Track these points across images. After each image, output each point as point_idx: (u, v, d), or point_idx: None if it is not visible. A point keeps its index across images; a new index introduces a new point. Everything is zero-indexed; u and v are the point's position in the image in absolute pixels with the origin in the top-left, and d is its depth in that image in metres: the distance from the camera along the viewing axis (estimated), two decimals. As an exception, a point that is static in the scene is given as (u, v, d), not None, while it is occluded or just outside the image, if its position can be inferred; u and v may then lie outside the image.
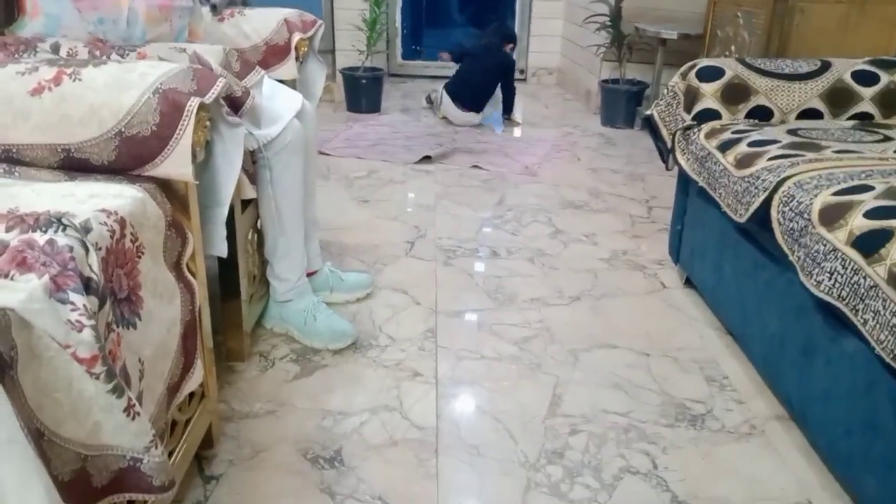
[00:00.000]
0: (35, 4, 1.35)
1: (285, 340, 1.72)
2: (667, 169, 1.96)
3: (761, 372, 1.58)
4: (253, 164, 1.54)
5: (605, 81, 3.66)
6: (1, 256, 0.83)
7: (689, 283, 2.01)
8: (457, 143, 3.34)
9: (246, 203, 1.57)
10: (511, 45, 3.82)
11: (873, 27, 2.46)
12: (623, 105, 3.59)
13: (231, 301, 1.61)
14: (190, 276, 1.19)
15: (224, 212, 1.32)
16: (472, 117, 3.66)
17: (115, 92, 1.09)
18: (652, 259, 2.19)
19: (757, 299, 1.54)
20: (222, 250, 1.35)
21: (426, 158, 3.12)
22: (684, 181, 1.94)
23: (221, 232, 1.33)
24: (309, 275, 1.83)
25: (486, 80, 3.65)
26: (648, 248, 2.28)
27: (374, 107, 3.88)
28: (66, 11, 1.34)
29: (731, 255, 1.67)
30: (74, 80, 1.10)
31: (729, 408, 1.51)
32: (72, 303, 0.82)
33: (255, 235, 1.69)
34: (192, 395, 1.24)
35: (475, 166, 3.05)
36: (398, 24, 4.68)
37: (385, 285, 2.00)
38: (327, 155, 3.14)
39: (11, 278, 0.79)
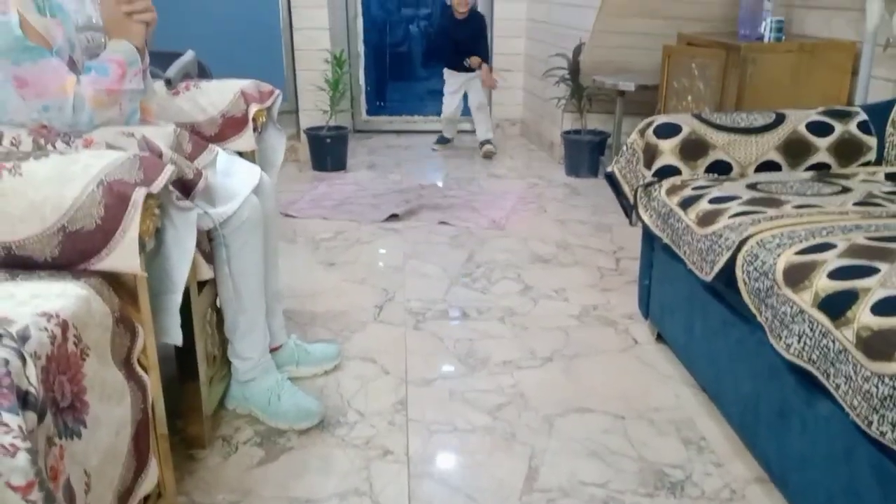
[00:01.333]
0: (-23, 92, 1.31)
1: (249, 422, 1.66)
2: (630, 224, 1.96)
3: (738, 432, 1.55)
4: (209, 242, 1.50)
5: (568, 132, 3.70)
6: (-74, 377, 0.77)
7: (660, 338, 1.99)
8: (423, 199, 3.34)
9: (202, 283, 1.52)
10: None
11: (825, 74, 2.52)
12: (586, 155, 3.62)
13: (189, 383, 1.54)
14: (141, 372, 1.14)
15: (178, 298, 1.27)
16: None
17: (57, 186, 1.05)
18: (622, 314, 2.18)
19: (729, 358, 1.52)
20: (177, 338, 1.29)
21: (393, 216, 3.10)
22: (649, 236, 1.94)
23: (176, 319, 1.28)
24: (273, 350, 1.78)
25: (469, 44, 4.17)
26: (618, 301, 2.26)
27: (339, 165, 3.87)
28: (9, 98, 1.30)
29: (700, 313, 1.65)
30: (15, 176, 1.06)
31: (708, 472, 1.48)
32: (5, 424, 0.77)
33: (214, 314, 1.64)
34: (146, 497, 1.18)
35: (442, 222, 3.04)
36: (361, 81, 4.71)
37: (353, 354, 1.95)
38: (293, 217, 3.10)
39: (-65, 405, 0.74)
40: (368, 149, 4.43)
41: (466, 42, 4.13)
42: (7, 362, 0.82)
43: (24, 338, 0.87)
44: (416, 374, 1.86)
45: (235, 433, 1.62)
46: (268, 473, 1.48)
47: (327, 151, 3.84)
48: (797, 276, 1.24)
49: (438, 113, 4.46)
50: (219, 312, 1.64)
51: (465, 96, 4.27)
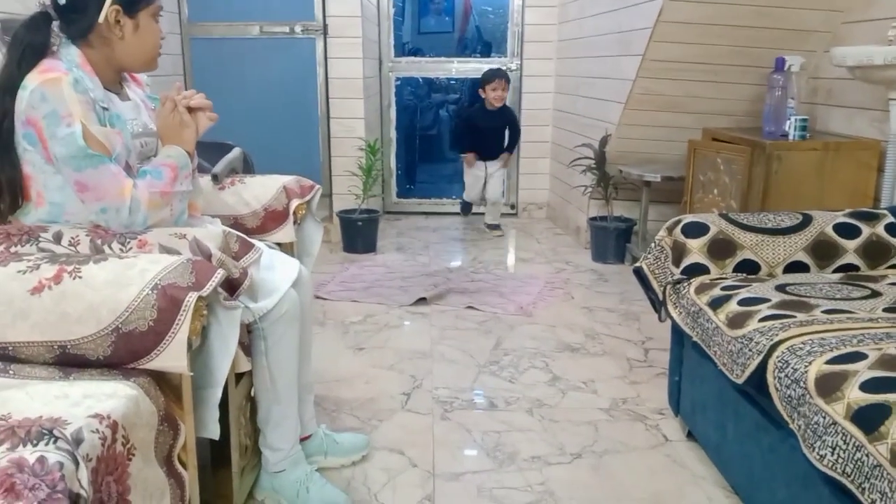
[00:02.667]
0: (40, 194, 1.40)
1: (278, 513, 1.66)
2: (660, 320, 1.97)
3: (773, 540, 1.52)
4: (248, 334, 1.55)
5: (594, 219, 3.76)
6: (-12, 481, 0.81)
7: (691, 435, 1.97)
8: (451, 283, 3.38)
9: (239, 376, 1.56)
10: (498, 86, 4.28)
11: (850, 172, 2.56)
12: (613, 241, 3.66)
13: (221, 472, 1.56)
14: (181, 469, 1.17)
15: (218, 393, 1.31)
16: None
17: (115, 289, 1.11)
18: (652, 408, 2.17)
19: (762, 463, 1.51)
20: (215, 433, 1.33)
21: (422, 300, 3.14)
22: (678, 332, 1.95)
23: (214, 414, 1.31)
24: (303, 439, 1.79)
25: (498, 134, 4.44)
26: (648, 395, 2.25)
27: (369, 247, 3.95)
28: (69, 200, 1.39)
29: (732, 414, 1.65)
30: (74, 278, 1.12)
31: (743, 582, 1.44)
32: (58, 530, 0.80)
33: (248, 404, 1.67)
34: None
35: (470, 307, 3.07)
36: (393, 165, 4.86)
37: (381, 445, 1.96)
38: (323, 299, 3.16)
39: (-3, 510, 0.77)
40: (398, 230, 4.53)
41: (496, 132, 4.36)
42: (62, 465, 0.86)
43: (77, 440, 0.91)
44: (443, 467, 1.86)
45: (264, 525, 1.62)
46: (296, 570, 1.48)
47: (358, 234, 3.93)
48: (829, 386, 1.24)
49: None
50: (252, 403, 1.68)
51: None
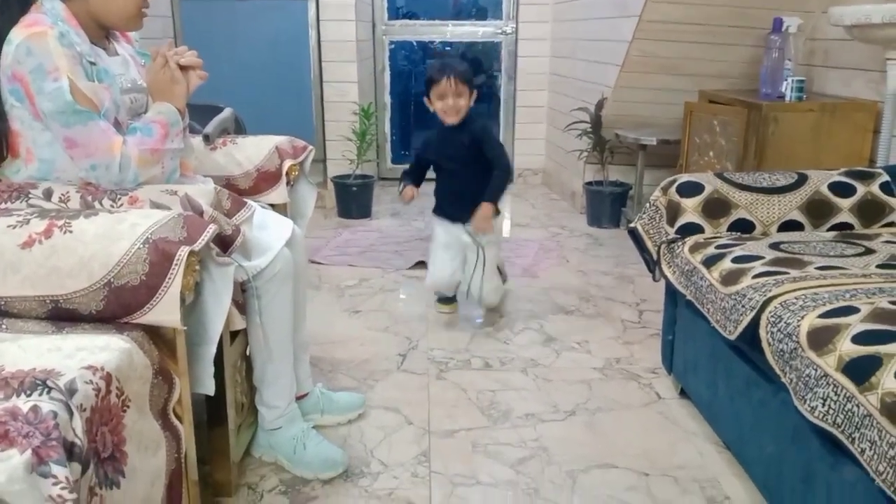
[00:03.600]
0: (29, 150, 1.39)
1: (274, 470, 1.68)
2: (654, 280, 1.97)
3: (763, 493, 1.54)
4: (242, 293, 1.55)
5: (589, 183, 3.74)
6: (-18, 428, 0.81)
7: (684, 393, 1.99)
8: (447, 248, 3.37)
9: (234, 334, 1.57)
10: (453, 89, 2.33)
11: (846, 133, 2.55)
12: (608, 206, 3.66)
13: (218, 430, 1.57)
14: (176, 422, 1.17)
15: (212, 349, 1.31)
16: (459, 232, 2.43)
17: (106, 243, 1.11)
18: (645, 367, 2.18)
19: (753, 418, 1.52)
20: (210, 388, 1.33)
21: (420, 263, 3.13)
22: (672, 292, 1.95)
23: (209, 370, 1.32)
24: (299, 398, 1.80)
25: (468, 171, 2.37)
26: (641, 355, 2.27)
27: (364, 212, 3.94)
28: (59, 157, 1.37)
29: (724, 371, 1.66)
30: (65, 233, 1.11)
31: (733, 533, 1.47)
32: (54, 476, 0.80)
33: (244, 363, 1.68)
34: (176, 546, 1.20)
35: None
36: (387, 131, 4.82)
37: (376, 404, 1.97)
38: (318, 264, 3.16)
39: (-8, 456, 0.78)
40: (392, 196, 4.50)
41: (459, 166, 2.40)
42: (56, 415, 0.86)
43: (71, 391, 0.92)
44: (438, 425, 1.88)
45: (261, 481, 1.64)
46: (292, 524, 1.50)
47: (353, 199, 3.92)
48: (821, 339, 1.25)
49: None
50: (248, 361, 1.68)
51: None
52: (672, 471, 1.67)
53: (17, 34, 1.32)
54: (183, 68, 1.48)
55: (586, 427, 1.86)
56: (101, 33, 1.50)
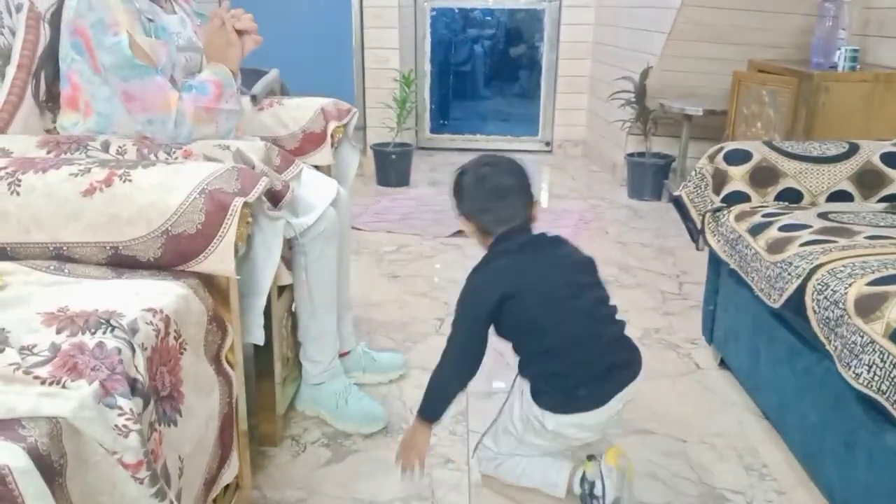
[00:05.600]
0: (87, 104, 1.43)
1: (317, 423, 1.72)
2: (697, 249, 1.96)
3: (802, 461, 1.54)
4: (289, 249, 1.58)
5: (631, 155, 3.70)
6: (53, 361, 0.85)
7: (723, 363, 1.98)
8: (485, 217, 3.38)
9: (281, 288, 1.60)
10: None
11: (899, 104, 2.48)
12: (650, 178, 3.62)
13: (265, 382, 1.62)
14: (228, 368, 1.21)
15: (262, 301, 1.35)
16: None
17: (163, 193, 1.14)
18: (685, 338, 2.17)
19: (795, 387, 1.52)
20: (259, 338, 1.37)
21: (459, 232, 3.15)
22: (715, 261, 1.94)
23: (259, 320, 1.36)
24: (342, 355, 1.84)
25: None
26: (681, 325, 2.26)
27: (403, 181, 3.96)
28: (117, 111, 1.41)
29: (765, 340, 1.65)
30: (125, 182, 1.15)
31: (769, 499, 1.47)
32: (119, 407, 0.84)
33: (290, 318, 1.72)
34: (226, 486, 1.25)
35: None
36: (427, 99, 4.81)
37: (415, 365, 2.00)
38: (358, 230, 3.19)
39: (63, 385, 0.82)
40: (430, 166, 4.52)
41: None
42: (120, 351, 0.90)
43: (133, 330, 0.96)
44: (475, 386, 1.88)
45: (304, 433, 1.69)
46: (334, 474, 1.54)
47: (392, 167, 3.94)
48: (869, 306, 1.24)
49: (501, 133, 4.45)
50: (293, 317, 1.72)
51: None
52: (709, 438, 1.68)
53: None
54: (238, 32, 1.51)
55: (624, 393, 1.87)
56: None
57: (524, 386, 1.41)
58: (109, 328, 0.93)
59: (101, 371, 0.86)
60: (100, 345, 0.89)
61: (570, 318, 1.34)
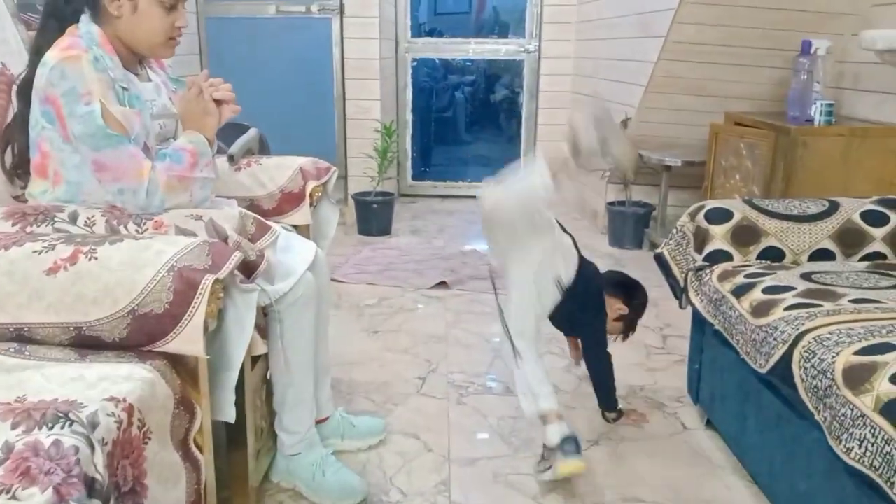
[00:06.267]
0: (57, 172, 1.39)
1: (292, 496, 1.66)
2: (681, 307, 1.94)
3: (794, 532, 1.49)
4: (264, 317, 1.54)
5: (612, 203, 3.71)
6: (4, 464, 0.80)
7: (710, 423, 1.94)
8: (467, 267, 3.36)
9: (255, 358, 1.55)
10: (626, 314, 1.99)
11: (876, 158, 2.50)
12: (631, 227, 3.62)
13: (237, 453, 1.56)
14: (197, 453, 1.16)
15: (234, 376, 1.30)
16: None
17: (131, 271, 1.10)
18: (670, 396, 2.14)
19: (783, 454, 1.48)
20: (230, 416, 1.32)
21: (441, 284, 3.11)
22: (699, 320, 1.91)
23: (230, 397, 1.30)
24: (319, 422, 1.78)
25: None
26: (666, 383, 2.22)
27: (384, 230, 3.94)
28: (86, 180, 1.38)
29: (753, 403, 1.62)
30: (90, 259, 1.11)
31: (763, 574, 1.42)
32: (74, 515, 0.79)
33: (264, 387, 1.66)
34: (194, 578, 1.18)
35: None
36: (408, 148, 4.83)
37: (396, 429, 1.95)
38: (338, 281, 3.14)
39: (13, 495, 0.76)
40: (412, 213, 4.50)
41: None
42: (77, 450, 0.85)
43: (93, 424, 0.90)
44: (459, 452, 1.85)
45: (279, 508, 1.62)
46: (311, 553, 1.47)
47: (373, 216, 3.91)
48: (858, 377, 1.21)
49: (483, 179, 4.46)
50: (268, 385, 1.67)
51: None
52: (699, 506, 1.63)
53: (52, 57, 1.33)
54: (217, 101, 1.48)
55: (610, 457, 1.82)
56: (134, 59, 1.51)
57: None
58: (68, 423, 0.88)
59: (55, 475, 0.80)
60: (56, 443, 0.84)
61: None
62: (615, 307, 1.96)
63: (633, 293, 2.01)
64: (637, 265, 3.41)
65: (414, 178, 4.96)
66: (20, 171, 1.47)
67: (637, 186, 3.66)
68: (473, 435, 1.94)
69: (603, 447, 1.87)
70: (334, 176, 2.02)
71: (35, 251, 1.12)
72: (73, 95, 1.31)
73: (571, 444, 1.63)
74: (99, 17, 1.41)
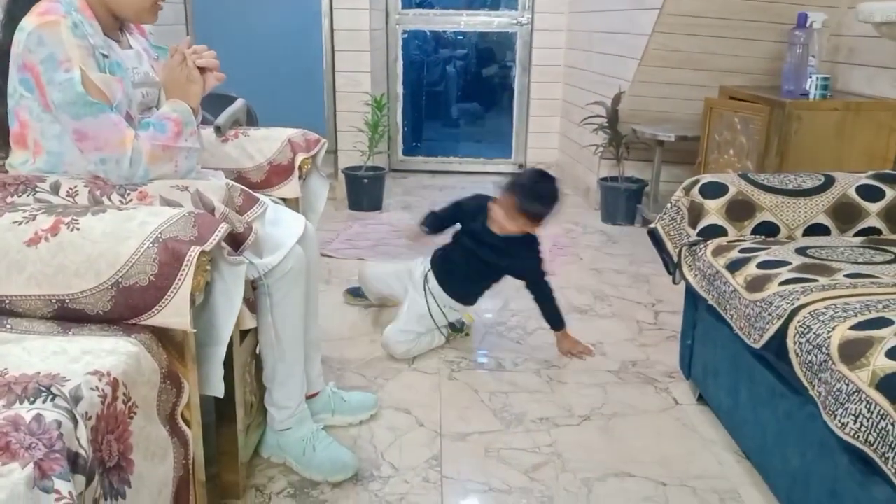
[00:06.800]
0: (37, 142, 1.35)
1: (283, 471, 1.64)
2: (674, 282, 1.92)
3: (785, 506, 1.50)
4: (253, 291, 1.51)
5: (604, 179, 3.69)
6: (-17, 439, 0.78)
7: (702, 398, 1.94)
8: (458, 243, 3.33)
9: (244, 333, 1.53)
10: (537, 222, 2.21)
11: (870, 132, 2.48)
12: (623, 202, 3.60)
13: (226, 428, 1.54)
14: (184, 427, 1.14)
15: (222, 350, 1.27)
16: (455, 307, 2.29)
17: (114, 242, 1.07)
18: (662, 371, 2.13)
19: (777, 429, 1.48)
20: (219, 390, 1.29)
21: (430, 261, 3.08)
22: (692, 295, 1.90)
23: (219, 371, 1.28)
24: (309, 397, 1.77)
25: (485, 276, 2.29)
26: (658, 358, 2.22)
27: (375, 205, 3.90)
28: (68, 150, 1.33)
29: (746, 378, 1.61)
30: (72, 230, 1.08)
31: (754, 547, 1.42)
32: (56, 491, 0.77)
33: (253, 361, 1.64)
34: (183, 553, 1.17)
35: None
36: (399, 122, 4.77)
37: (387, 404, 1.94)
38: (328, 257, 3.12)
39: (-8, 470, 0.74)
40: (404, 188, 4.46)
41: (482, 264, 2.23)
42: (60, 424, 0.83)
43: (76, 398, 0.88)
44: (450, 427, 1.84)
45: (269, 483, 1.61)
46: (301, 528, 1.46)
47: (364, 191, 3.87)
48: (853, 352, 1.20)
49: (474, 154, 4.42)
50: (258, 360, 1.65)
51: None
52: (690, 480, 1.63)
53: (29, 22, 1.28)
54: (200, 69, 1.44)
55: (602, 432, 1.82)
56: (115, 25, 1.45)
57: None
58: (49, 396, 0.86)
59: (37, 449, 0.78)
60: (37, 418, 0.82)
61: None
62: (505, 206, 2.13)
63: (511, 185, 2.17)
64: (629, 241, 3.41)
65: (405, 153, 4.91)
66: None
67: (630, 162, 3.64)
68: (465, 410, 1.93)
69: (594, 422, 1.86)
70: (324, 148, 1.98)
71: (15, 221, 1.09)
72: (51, 62, 1.26)
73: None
74: None
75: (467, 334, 2.37)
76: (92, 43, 1.32)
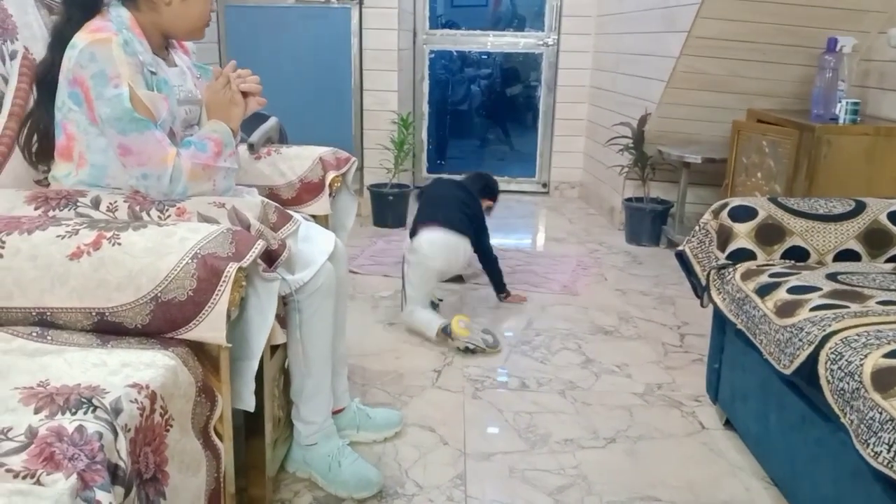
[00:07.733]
0: (82, 155, 1.39)
1: (308, 486, 1.65)
2: (702, 305, 1.91)
3: (815, 535, 1.47)
4: (284, 306, 1.53)
5: (629, 199, 3.68)
6: (28, 448, 0.80)
7: (728, 423, 1.92)
8: (482, 261, 3.33)
9: (274, 348, 1.55)
10: (489, 203, 2.90)
11: (901, 158, 2.46)
12: (648, 224, 3.59)
13: (255, 441, 1.55)
14: (217, 440, 1.15)
15: (255, 365, 1.29)
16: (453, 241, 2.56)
17: (154, 257, 1.09)
18: (688, 394, 2.12)
19: (807, 456, 1.46)
20: (250, 404, 1.31)
21: (457, 278, 3.10)
22: (720, 318, 1.89)
23: (250, 386, 1.30)
24: (335, 412, 1.78)
25: (458, 203, 2.66)
26: (684, 381, 2.20)
27: (399, 222, 3.92)
28: (111, 163, 1.37)
29: (776, 404, 1.60)
30: (114, 245, 1.10)
31: (783, 577, 1.40)
32: (98, 501, 0.79)
33: (282, 376, 1.66)
34: (212, 566, 1.18)
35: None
36: (424, 139, 4.81)
37: (411, 421, 1.94)
38: (354, 273, 3.14)
39: (38, 479, 0.76)
40: (428, 206, 4.48)
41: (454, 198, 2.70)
42: (101, 436, 0.84)
43: (116, 410, 0.90)
44: (474, 446, 1.84)
45: (295, 497, 1.62)
46: (326, 545, 1.47)
47: (389, 208, 3.90)
48: (887, 380, 1.19)
49: (498, 173, 4.42)
50: (286, 375, 1.66)
51: None
52: (717, 506, 1.61)
53: (81, 39, 1.33)
54: (243, 93, 1.49)
55: (627, 456, 1.81)
56: (163, 43, 1.50)
57: None
58: (91, 408, 0.88)
59: (79, 460, 0.80)
60: (79, 429, 0.84)
61: None
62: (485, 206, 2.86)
63: (487, 189, 2.92)
64: (654, 262, 3.40)
65: (429, 170, 4.95)
66: (40, 155, 1.46)
67: (655, 183, 3.63)
68: (489, 429, 1.93)
69: (620, 445, 1.85)
70: (354, 166, 2.01)
71: (58, 236, 1.12)
72: (101, 78, 1.30)
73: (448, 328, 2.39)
74: (136, 4, 1.41)
75: (499, 351, 2.43)
76: (141, 60, 1.36)
